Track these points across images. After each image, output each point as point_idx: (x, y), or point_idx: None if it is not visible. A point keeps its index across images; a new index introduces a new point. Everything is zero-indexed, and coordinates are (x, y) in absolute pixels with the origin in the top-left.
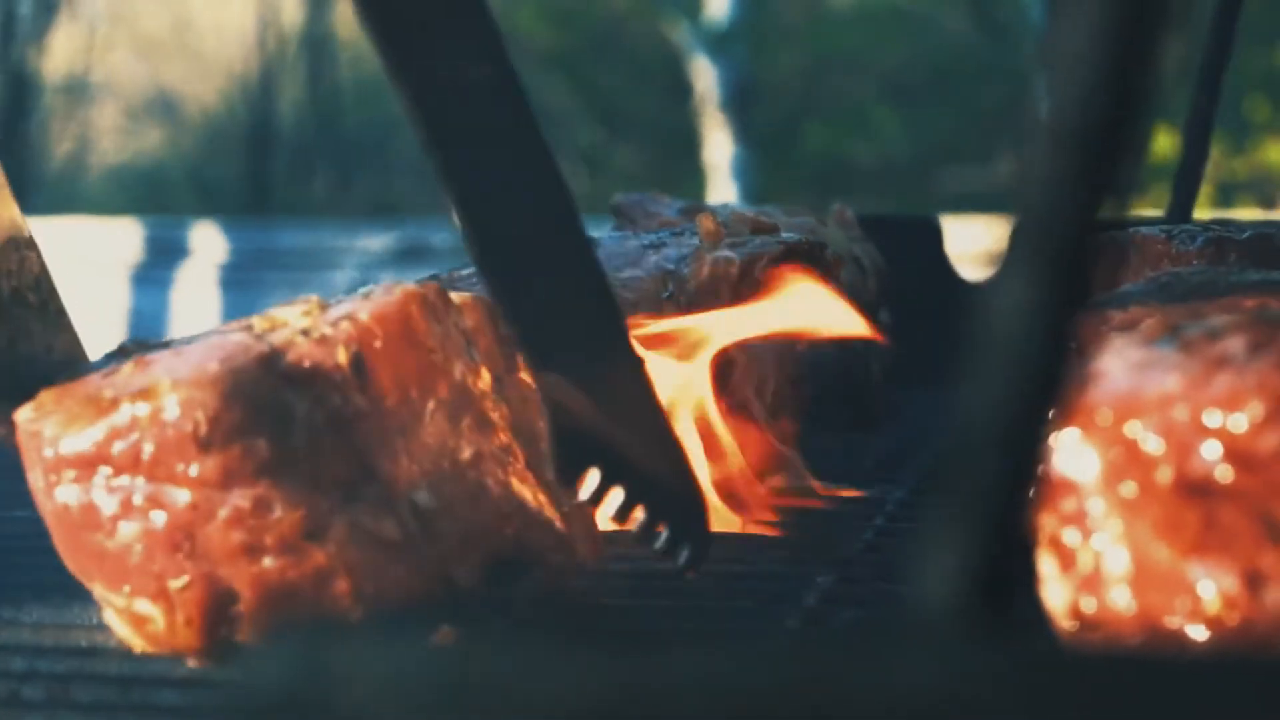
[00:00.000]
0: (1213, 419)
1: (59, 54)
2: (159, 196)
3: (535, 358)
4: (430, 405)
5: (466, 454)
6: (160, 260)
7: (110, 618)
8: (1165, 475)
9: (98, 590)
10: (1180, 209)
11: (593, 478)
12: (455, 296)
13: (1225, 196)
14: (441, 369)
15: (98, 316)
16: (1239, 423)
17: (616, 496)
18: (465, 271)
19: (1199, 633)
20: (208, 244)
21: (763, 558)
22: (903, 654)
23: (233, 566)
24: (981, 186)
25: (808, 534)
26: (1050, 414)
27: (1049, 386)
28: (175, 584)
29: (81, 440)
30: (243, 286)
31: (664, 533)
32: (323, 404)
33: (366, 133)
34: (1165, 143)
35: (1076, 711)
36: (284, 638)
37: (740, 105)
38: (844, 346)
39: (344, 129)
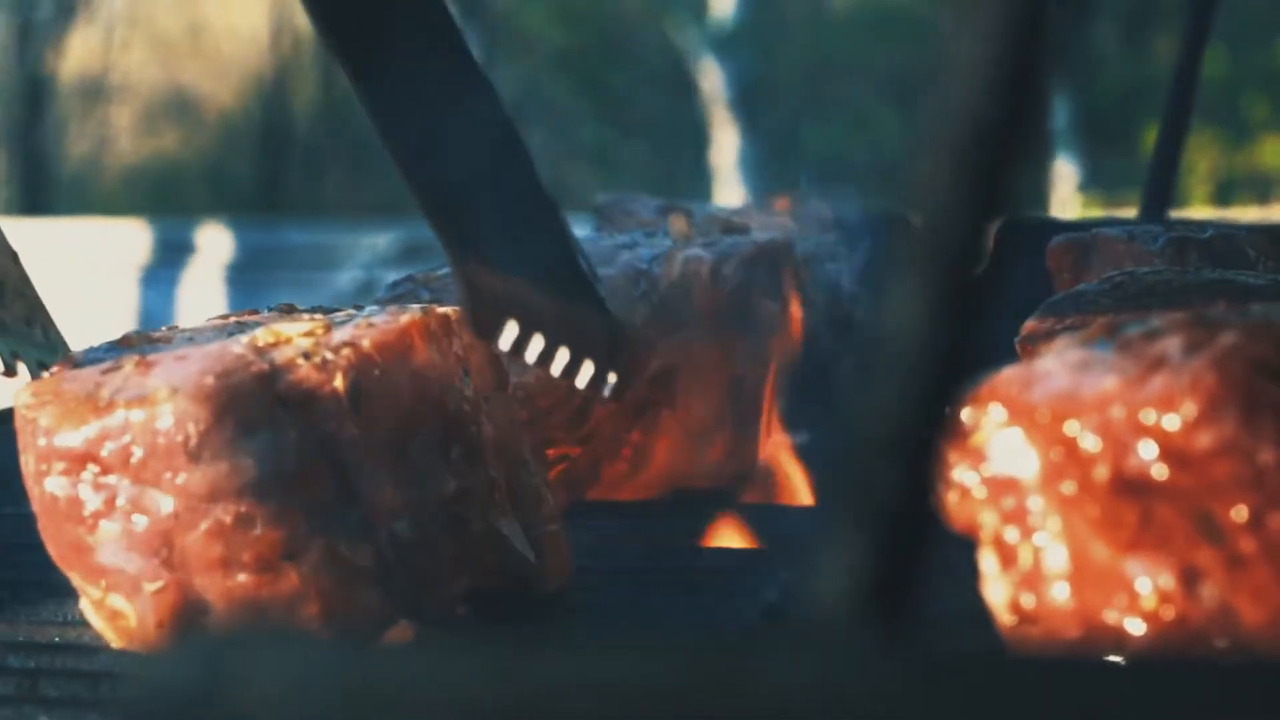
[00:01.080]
0: (1148, 418)
1: (76, 56)
2: (175, 196)
3: (444, 208)
4: (421, 436)
5: (451, 487)
6: (169, 259)
7: (86, 607)
8: (1103, 473)
9: (76, 580)
10: (1153, 208)
11: (511, 329)
12: (451, 313)
13: (1224, 195)
14: (437, 399)
15: (108, 314)
16: (1173, 422)
17: (537, 343)
18: (442, 272)
19: (1137, 628)
20: (216, 243)
21: (730, 554)
22: (792, 655)
23: (208, 577)
24: None
25: (776, 530)
26: (944, 419)
27: (941, 391)
28: (150, 586)
29: (74, 436)
30: (250, 285)
31: (588, 367)
32: (316, 428)
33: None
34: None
35: (962, 711)
36: (190, 641)
37: (746, 105)
38: (820, 343)
39: (356, 129)
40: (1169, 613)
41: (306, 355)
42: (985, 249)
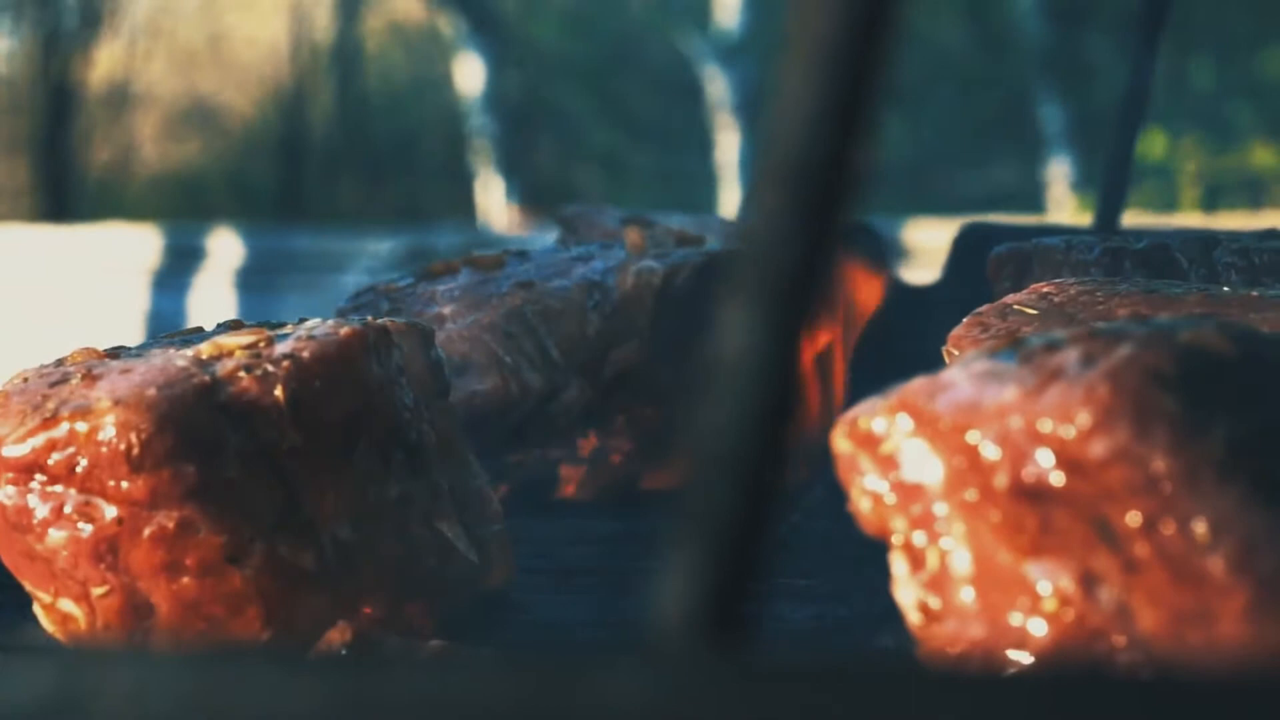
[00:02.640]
0: (1045, 427)
1: (101, 66)
2: (197, 202)
3: None
4: (363, 443)
5: (393, 493)
6: (182, 263)
7: (38, 611)
8: (1003, 481)
9: (28, 585)
10: (1106, 218)
11: None
12: (389, 324)
13: (1213, 199)
14: (377, 408)
15: (124, 318)
16: (1069, 431)
17: None
18: (402, 283)
19: (1038, 628)
20: (228, 247)
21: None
22: (626, 670)
23: (153, 581)
24: (978, 188)
25: None
26: (782, 439)
27: (777, 413)
28: (97, 591)
29: (21, 447)
30: (261, 288)
31: None
32: (257, 437)
33: (392, 140)
34: (1157, 145)
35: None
36: (39, 651)
37: (749, 110)
38: None
39: (372, 136)
40: (1069, 614)
41: (248, 368)
42: (818, 276)
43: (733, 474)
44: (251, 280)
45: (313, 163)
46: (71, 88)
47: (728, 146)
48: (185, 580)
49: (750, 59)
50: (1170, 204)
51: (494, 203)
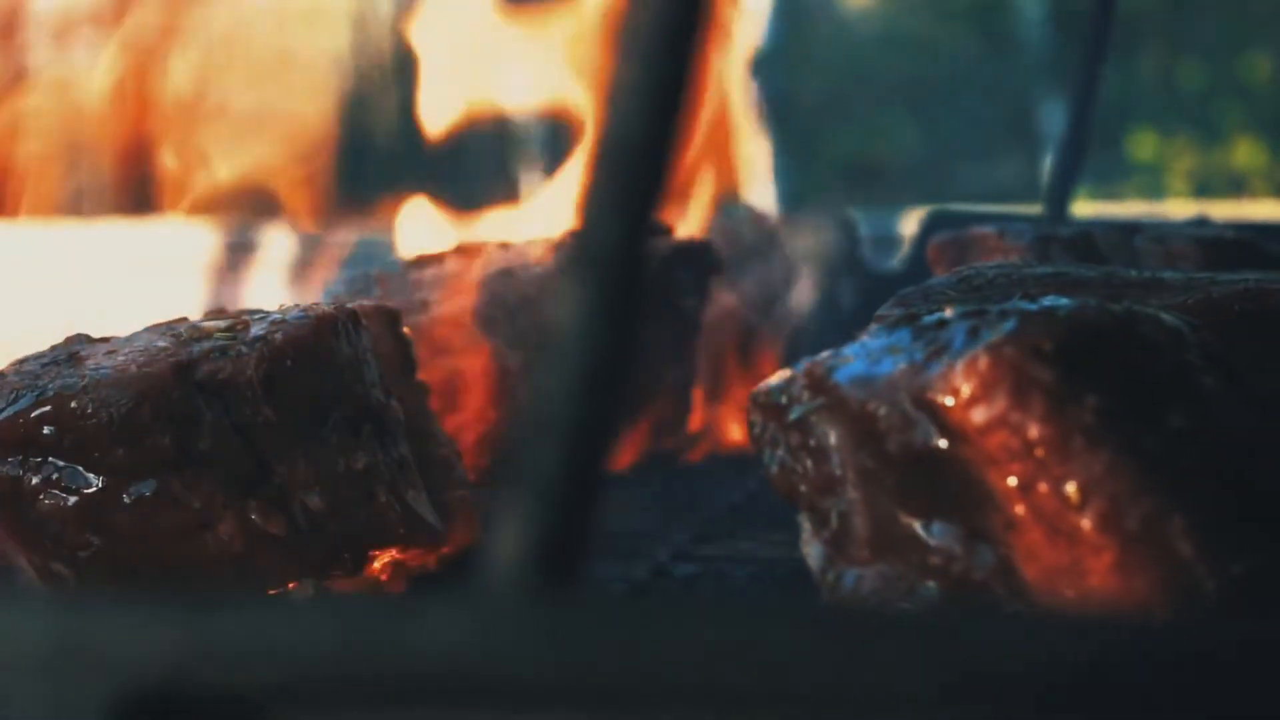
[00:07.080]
0: (931, 398)
1: (178, 76)
2: (264, 206)
3: None
4: (333, 418)
5: (361, 463)
6: (242, 258)
7: (30, 574)
8: (894, 447)
9: (21, 549)
10: (1055, 208)
11: None
12: (359, 308)
13: (1201, 193)
14: (347, 385)
15: (189, 307)
16: (951, 401)
17: None
18: (393, 270)
19: (929, 583)
20: (283, 243)
21: (630, 515)
22: (448, 609)
23: (133, 545)
24: (985, 184)
25: (679, 493)
26: (606, 405)
27: (603, 379)
28: (83, 554)
29: (13, 423)
30: (308, 279)
31: None
32: (231, 412)
33: (446, 145)
34: (1149, 144)
35: (606, 660)
36: None
37: (775, 115)
38: (746, 322)
39: (428, 142)
40: (956, 569)
41: (224, 349)
42: (638, 255)
43: (559, 436)
44: (302, 272)
45: (374, 167)
46: (150, 96)
47: (754, 149)
48: (163, 545)
49: (777, 66)
50: (1160, 199)
51: None
